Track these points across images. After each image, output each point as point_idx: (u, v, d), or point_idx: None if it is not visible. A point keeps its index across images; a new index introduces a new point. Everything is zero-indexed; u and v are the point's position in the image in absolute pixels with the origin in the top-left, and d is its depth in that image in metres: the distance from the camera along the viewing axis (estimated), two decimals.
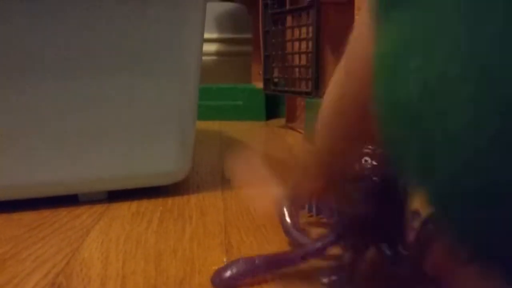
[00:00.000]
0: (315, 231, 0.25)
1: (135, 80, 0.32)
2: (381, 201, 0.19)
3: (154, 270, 0.22)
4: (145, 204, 0.33)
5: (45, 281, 0.21)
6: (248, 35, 0.97)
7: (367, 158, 0.19)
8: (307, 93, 0.60)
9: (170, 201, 0.34)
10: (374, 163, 0.19)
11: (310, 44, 0.59)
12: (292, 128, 0.70)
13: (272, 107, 0.85)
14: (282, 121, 0.79)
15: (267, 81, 0.72)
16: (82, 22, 0.30)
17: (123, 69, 0.32)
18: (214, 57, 1.04)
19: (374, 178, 0.19)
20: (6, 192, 0.31)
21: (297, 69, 0.64)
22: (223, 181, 0.40)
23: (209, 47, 1.02)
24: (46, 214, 0.31)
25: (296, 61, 0.64)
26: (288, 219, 0.24)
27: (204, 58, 0.41)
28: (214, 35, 1.04)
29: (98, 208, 0.32)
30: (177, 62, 0.33)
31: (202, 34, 0.35)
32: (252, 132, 0.70)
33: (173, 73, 0.33)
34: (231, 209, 0.32)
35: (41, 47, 0.29)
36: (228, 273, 0.20)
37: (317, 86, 0.59)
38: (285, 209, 0.25)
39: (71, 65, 0.30)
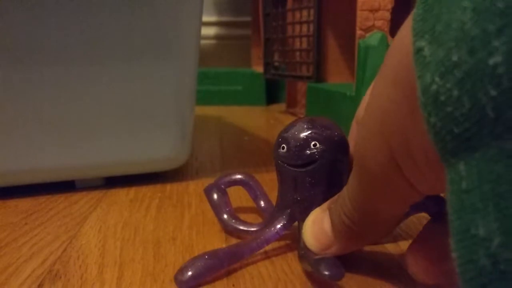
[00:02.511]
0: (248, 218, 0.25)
1: (132, 65, 0.31)
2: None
3: (152, 258, 0.22)
4: (143, 191, 0.33)
5: (42, 268, 0.21)
6: (248, 18, 0.95)
7: (316, 143, 0.20)
8: (308, 78, 0.59)
9: (168, 187, 0.33)
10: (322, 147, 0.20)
11: (311, 27, 0.58)
12: (293, 114, 0.70)
13: (273, 91, 0.84)
14: (282, 106, 0.78)
15: (267, 65, 0.71)
16: (79, 9, 0.29)
17: (120, 54, 0.31)
18: (213, 41, 1.02)
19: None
20: (2, 178, 0.30)
21: (298, 53, 0.63)
22: (222, 167, 0.39)
23: (207, 31, 1.00)
24: (42, 201, 0.30)
25: (297, 45, 0.63)
26: (225, 216, 0.24)
27: (202, 41, 0.40)
28: (213, 18, 1.02)
29: (96, 195, 0.32)
30: (175, 46, 0.32)
31: (201, 17, 0.34)
32: (252, 118, 0.69)
33: (171, 57, 0.32)
34: (230, 196, 0.31)
35: (38, 34, 0.28)
36: (191, 272, 0.19)
37: (318, 70, 0.58)
38: (219, 206, 0.24)
39: (68, 50, 0.29)
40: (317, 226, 0.19)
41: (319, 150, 0.20)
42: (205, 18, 0.99)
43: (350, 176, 0.17)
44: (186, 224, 0.26)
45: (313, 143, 0.20)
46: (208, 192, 0.25)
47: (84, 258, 0.22)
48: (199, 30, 0.34)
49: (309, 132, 0.20)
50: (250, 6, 0.90)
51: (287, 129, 0.21)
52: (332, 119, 0.22)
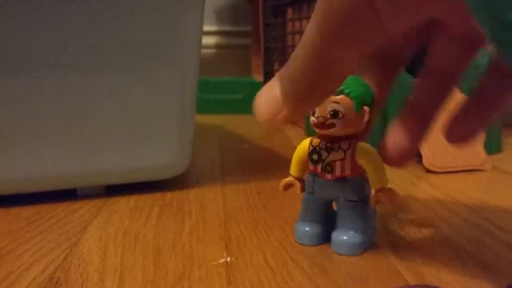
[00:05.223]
0: None
1: (134, 73, 0.32)
2: None
3: (152, 265, 0.22)
4: (144, 199, 0.33)
5: (43, 276, 0.21)
6: (248, 28, 0.96)
7: None
8: None
9: (169, 195, 0.34)
10: None
11: None
12: (292, 122, 0.70)
13: None
14: None
15: (267, 74, 0.71)
16: (79, 16, 0.29)
17: (122, 62, 0.31)
18: (213, 50, 1.03)
19: None
20: (4, 186, 0.31)
21: None
22: (222, 175, 0.39)
23: (208, 40, 1.01)
24: (44, 209, 0.31)
25: None
26: None
27: (203, 51, 0.41)
28: (214, 28, 1.03)
29: (97, 203, 0.32)
30: (176, 55, 0.33)
31: (201, 27, 0.35)
32: (252, 126, 0.69)
33: (172, 66, 0.33)
34: (230, 204, 0.31)
35: (41, 42, 0.29)
36: None
37: None
38: None
39: (70, 58, 0.30)
40: (267, 93, 0.18)
41: None
42: (205, 28, 1.00)
43: (307, 26, 0.16)
44: (186, 232, 0.26)
45: None
46: None
47: (85, 265, 0.22)
48: (200, 39, 0.35)
49: None
50: (250, 15, 0.91)
51: None
52: None
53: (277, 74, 0.19)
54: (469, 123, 0.20)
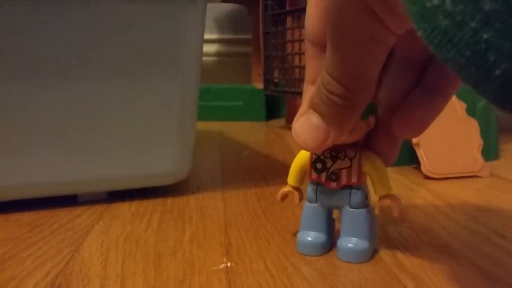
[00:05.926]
0: None
1: (135, 80, 0.32)
2: None
3: (153, 271, 0.22)
4: (145, 205, 0.33)
5: (45, 281, 0.21)
6: (248, 36, 0.97)
7: None
8: None
9: (170, 201, 0.34)
10: None
11: None
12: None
13: (272, 107, 0.86)
14: (282, 121, 0.79)
15: (267, 81, 0.72)
16: (82, 23, 0.30)
17: (123, 70, 0.32)
18: (214, 58, 1.04)
19: None
20: (5, 192, 0.31)
21: (297, 70, 0.64)
22: (223, 182, 0.40)
23: (209, 48, 1.02)
24: (45, 214, 0.31)
25: (296, 62, 0.64)
26: None
27: (204, 58, 0.41)
28: (214, 36, 1.04)
29: (98, 208, 0.32)
30: (177, 62, 0.33)
31: (202, 35, 0.35)
32: (252, 133, 0.70)
33: (173, 73, 0.33)
34: (231, 210, 0.32)
35: (41, 47, 0.29)
36: None
37: None
38: None
39: (71, 65, 0.30)
40: (306, 127, 0.19)
41: None
42: (206, 36, 1.01)
43: (326, 55, 0.17)
44: (187, 238, 0.26)
45: None
46: None
47: (87, 271, 0.22)
48: (201, 47, 0.35)
49: None
50: (251, 24, 0.92)
51: None
52: None
53: (306, 106, 0.19)
54: (419, 115, 0.21)
